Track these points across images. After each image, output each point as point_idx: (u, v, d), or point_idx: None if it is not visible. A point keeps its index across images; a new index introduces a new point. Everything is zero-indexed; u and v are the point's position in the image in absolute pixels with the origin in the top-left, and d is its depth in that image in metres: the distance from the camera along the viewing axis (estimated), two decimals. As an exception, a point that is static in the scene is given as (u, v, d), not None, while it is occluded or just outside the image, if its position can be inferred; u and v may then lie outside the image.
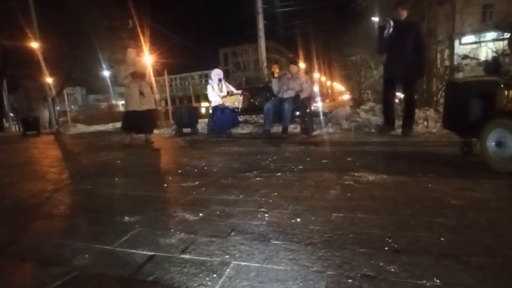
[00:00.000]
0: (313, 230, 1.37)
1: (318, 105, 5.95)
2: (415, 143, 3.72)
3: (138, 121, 5.24)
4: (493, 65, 2.47)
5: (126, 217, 1.66)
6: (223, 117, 5.48)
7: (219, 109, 5.49)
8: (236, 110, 5.58)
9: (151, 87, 5.42)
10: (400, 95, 5.61)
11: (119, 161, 3.67)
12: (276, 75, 5.28)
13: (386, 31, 4.18)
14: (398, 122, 4.78)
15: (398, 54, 4.15)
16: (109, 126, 12.32)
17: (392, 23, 4.13)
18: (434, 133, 4.48)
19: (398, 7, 4.30)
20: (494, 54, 6.56)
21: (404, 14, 4.20)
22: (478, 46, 8.53)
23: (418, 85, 6.82)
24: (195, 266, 1.13)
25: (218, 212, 1.67)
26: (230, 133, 5.67)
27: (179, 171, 2.82)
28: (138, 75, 5.11)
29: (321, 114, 5.94)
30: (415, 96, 4.97)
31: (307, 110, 5.28)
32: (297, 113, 5.17)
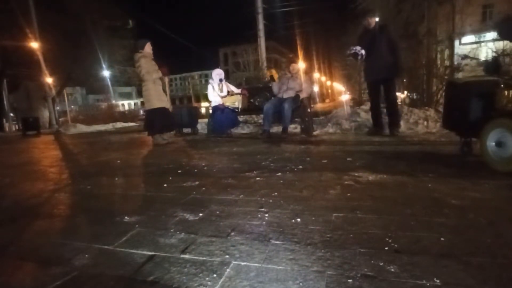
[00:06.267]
0: (313, 230, 1.37)
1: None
2: (415, 143, 3.72)
3: (169, 118, 4.96)
4: (493, 65, 2.47)
5: (126, 217, 1.66)
6: (223, 117, 5.48)
7: (219, 109, 5.49)
8: (236, 110, 5.59)
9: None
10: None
11: (119, 161, 3.66)
12: (276, 80, 5.31)
13: (359, 58, 4.44)
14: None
15: (375, 58, 4.34)
16: (109, 126, 12.31)
17: (361, 50, 4.37)
18: (434, 133, 4.48)
19: (366, 16, 4.52)
20: (494, 54, 6.56)
21: (372, 22, 4.45)
22: (478, 46, 8.51)
23: (418, 86, 6.83)
24: (195, 266, 1.13)
25: (218, 212, 1.67)
26: (230, 133, 5.67)
27: (179, 171, 2.81)
28: (164, 71, 4.90)
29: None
30: (396, 95, 5.09)
31: (307, 110, 5.28)
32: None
